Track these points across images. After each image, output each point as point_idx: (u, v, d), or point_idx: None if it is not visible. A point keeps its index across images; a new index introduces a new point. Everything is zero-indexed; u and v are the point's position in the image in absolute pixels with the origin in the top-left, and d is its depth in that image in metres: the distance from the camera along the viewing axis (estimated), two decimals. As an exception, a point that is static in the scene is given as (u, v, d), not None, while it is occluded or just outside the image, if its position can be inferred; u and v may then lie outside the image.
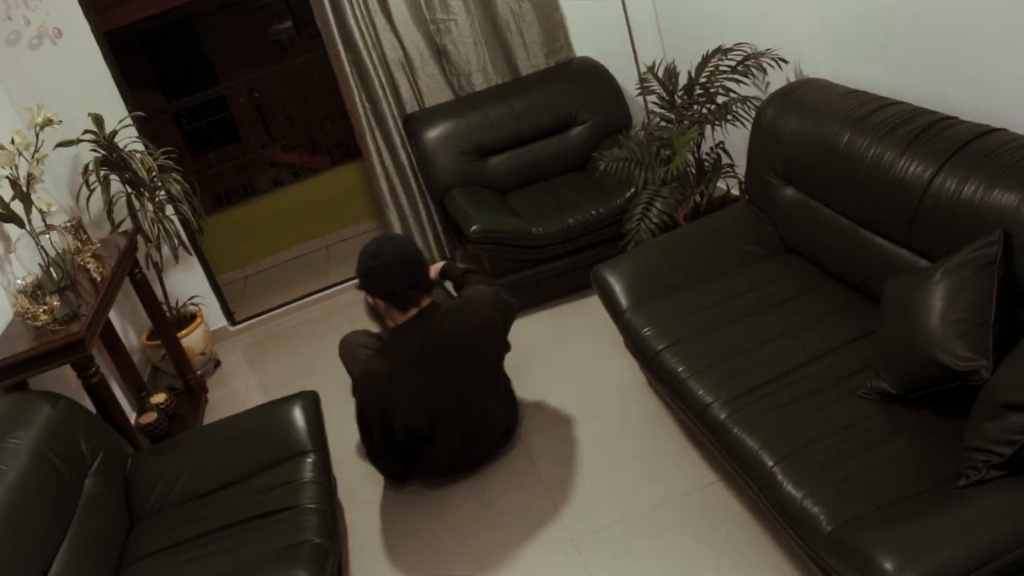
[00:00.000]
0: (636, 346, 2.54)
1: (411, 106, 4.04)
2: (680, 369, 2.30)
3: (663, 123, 3.23)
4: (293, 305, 4.36)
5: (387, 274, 2.38)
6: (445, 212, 3.88)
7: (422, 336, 2.42)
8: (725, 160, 3.27)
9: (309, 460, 2.37)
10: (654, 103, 3.28)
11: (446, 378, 2.45)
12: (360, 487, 2.80)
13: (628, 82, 3.88)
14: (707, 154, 3.28)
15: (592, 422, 2.77)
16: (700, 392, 2.19)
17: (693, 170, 3.24)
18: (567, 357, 3.15)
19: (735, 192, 3.44)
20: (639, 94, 3.38)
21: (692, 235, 2.81)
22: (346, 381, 3.44)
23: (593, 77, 3.92)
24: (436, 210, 4.10)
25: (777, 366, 2.17)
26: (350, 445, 3.02)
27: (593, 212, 3.37)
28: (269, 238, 5.17)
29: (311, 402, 2.59)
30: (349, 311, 4.21)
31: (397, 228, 4.17)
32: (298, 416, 2.52)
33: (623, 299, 2.65)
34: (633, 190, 3.28)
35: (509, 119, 3.87)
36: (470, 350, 2.48)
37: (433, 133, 3.84)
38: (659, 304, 2.57)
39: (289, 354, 3.94)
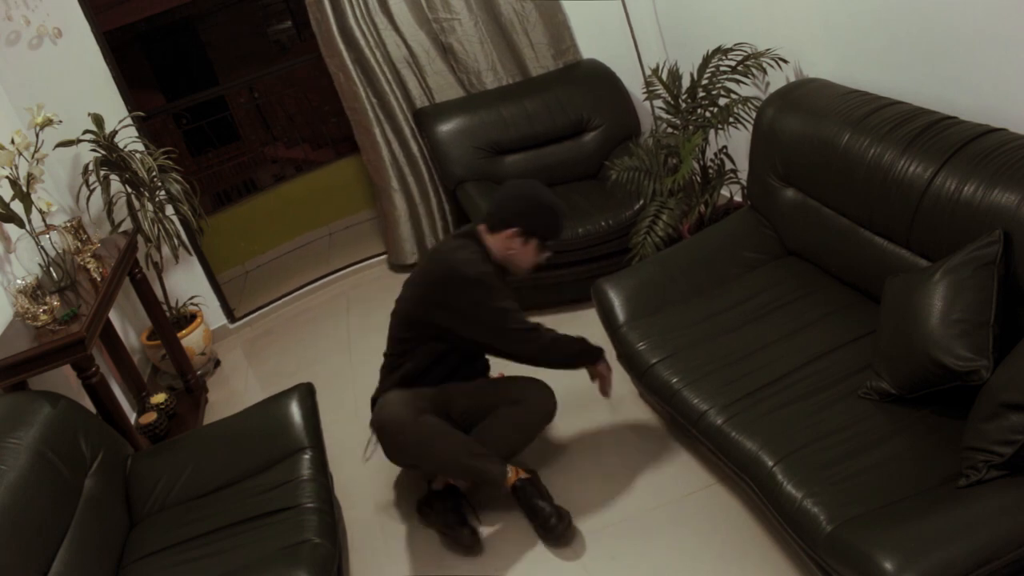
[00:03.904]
0: (629, 361, 2.53)
1: (420, 101, 4.07)
2: (674, 381, 2.29)
3: (670, 129, 3.21)
4: (293, 296, 4.38)
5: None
6: (457, 203, 3.90)
7: None
8: (728, 166, 3.25)
9: (307, 457, 2.38)
10: (660, 108, 3.27)
11: None
12: (358, 484, 2.79)
13: (634, 84, 3.85)
14: (711, 160, 3.27)
15: (585, 429, 2.76)
16: (695, 401, 2.19)
17: (698, 178, 3.23)
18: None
19: (738, 199, 3.42)
20: (646, 98, 3.36)
21: (693, 247, 2.80)
22: (342, 371, 3.43)
23: (600, 81, 3.92)
24: (448, 200, 4.13)
25: (776, 369, 2.17)
26: (346, 437, 3.00)
27: (603, 223, 3.31)
28: (271, 232, 5.18)
29: (307, 395, 2.60)
30: (349, 295, 4.26)
31: (405, 216, 4.22)
32: (295, 411, 2.53)
33: (620, 314, 2.62)
34: (642, 202, 3.24)
35: (522, 119, 3.87)
36: None
37: (446, 127, 3.86)
38: (656, 318, 2.56)
39: (289, 346, 3.96)
